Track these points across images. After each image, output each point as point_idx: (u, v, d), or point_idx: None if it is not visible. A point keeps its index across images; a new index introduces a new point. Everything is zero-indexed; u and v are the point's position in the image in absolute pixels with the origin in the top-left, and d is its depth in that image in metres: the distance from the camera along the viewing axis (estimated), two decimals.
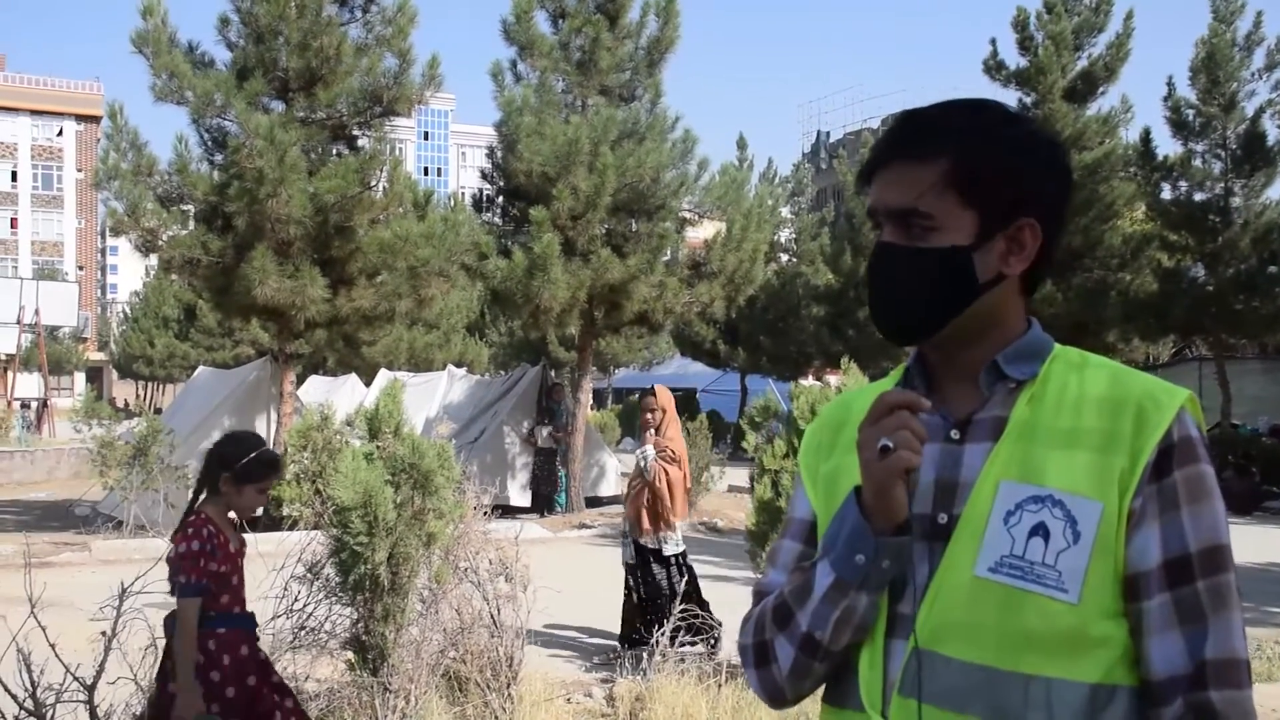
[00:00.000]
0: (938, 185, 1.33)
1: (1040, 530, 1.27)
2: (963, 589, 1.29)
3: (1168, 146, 20.81)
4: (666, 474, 7.08)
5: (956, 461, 1.35)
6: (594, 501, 15.92)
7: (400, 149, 15.71)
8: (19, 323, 31.70)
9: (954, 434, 1.36)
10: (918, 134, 1.37)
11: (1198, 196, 20.18)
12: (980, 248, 1.35)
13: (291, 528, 9.23)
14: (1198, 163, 20.18)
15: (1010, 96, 20.88)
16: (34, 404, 33.49)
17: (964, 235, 1.34)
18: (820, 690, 1.46)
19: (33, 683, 4.07)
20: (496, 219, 15.57)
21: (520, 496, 15.22)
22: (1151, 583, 1.26)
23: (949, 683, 1.27)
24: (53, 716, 4.11)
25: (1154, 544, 1.26)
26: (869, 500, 1.30)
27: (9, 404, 29.70)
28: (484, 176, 15.84)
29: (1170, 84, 20.18)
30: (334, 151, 13.02)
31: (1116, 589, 1.27)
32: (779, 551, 1.52)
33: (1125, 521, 1.27)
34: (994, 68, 20.74)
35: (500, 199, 15.60)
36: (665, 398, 7.51)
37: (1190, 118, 19.97)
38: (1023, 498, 1.29)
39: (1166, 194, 20.48)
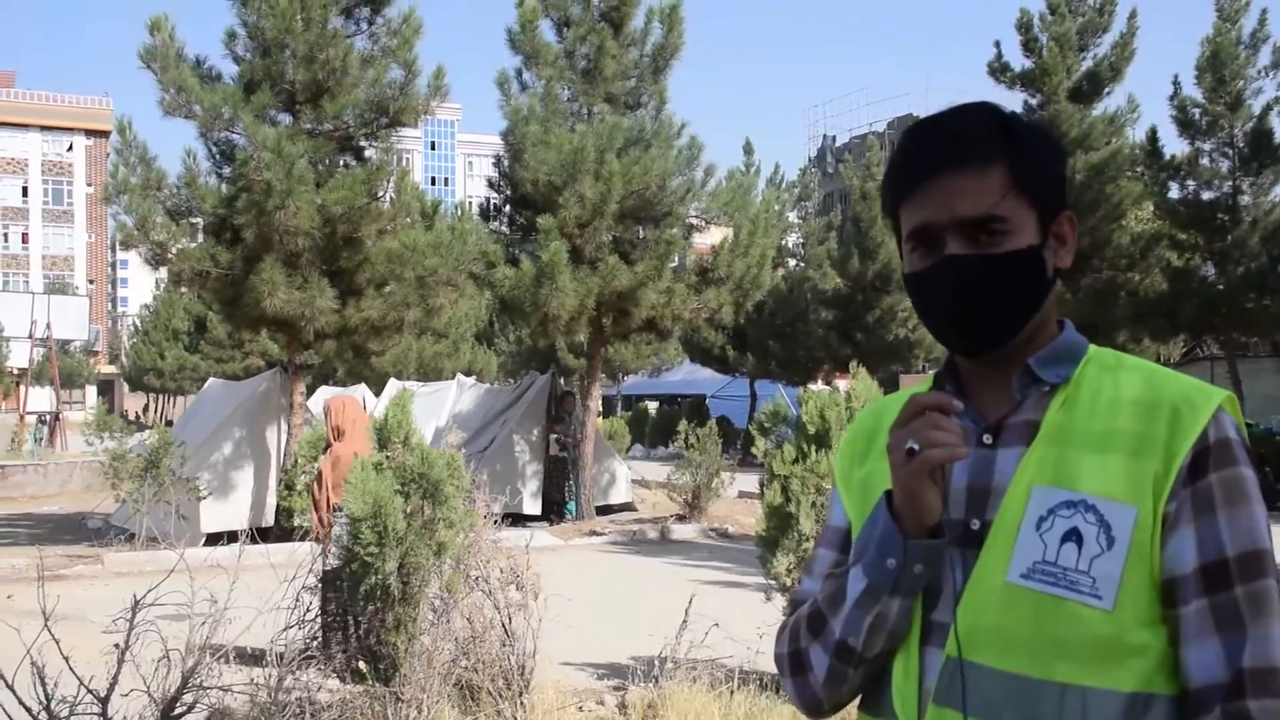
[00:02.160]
0: (1005, 188, 1.31)
1: (1073, 536, 1.25)
2: (995, 596, 1.27)
3: (1175, 146, 20.73)
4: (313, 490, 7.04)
5: (989, 466, 1.33)
6: (604, 509, 15.91)
7: (407, 159, 15.77)
8: (31, 337, 31.85)
9: (986, 439, 1.35)
10: (968, 141, 1.33)
11: (1206, 195, 20.11)
12: (1044, 245, 1.35)
13: (303, 539, 9.25)
14: (1205, 161, 20.12)
15: (1016, 98, 20.87)
16: (46, 417, 33.65)
17: (1032, 234, 1.33)
18: (858, 698, 1.44)
19: (47, 695, 4.08)
20: (504, 228, 15.61)
21: (531, 505, 15.23)
22: (1188, 588, 1.23)
23: (983, 692, 1.25)
24: None
25: (1189, 548, 1.23)
26: (899, 503, 1.29)
27: (22, 418, 29.82)
28: (491, 185, 15.89)
29: (1176, 83, 20.15)
30: (341, 163, 13.06)
31: (1153, 595, 1.24)
32: (815, 560, 1.51)
33: (1160, 526, 1.24)
34: (999, 70, 20.72)
35: (507, 208, 15.64)
36: (338, 408, 7.44)
37: (1197, 117, 19.91)
38: (1056, 503, 1.27)
39: (1174, 193, 20.42)
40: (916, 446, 1.25)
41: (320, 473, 7.08)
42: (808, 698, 1.43)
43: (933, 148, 1.35)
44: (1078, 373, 1.35)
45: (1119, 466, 1.26)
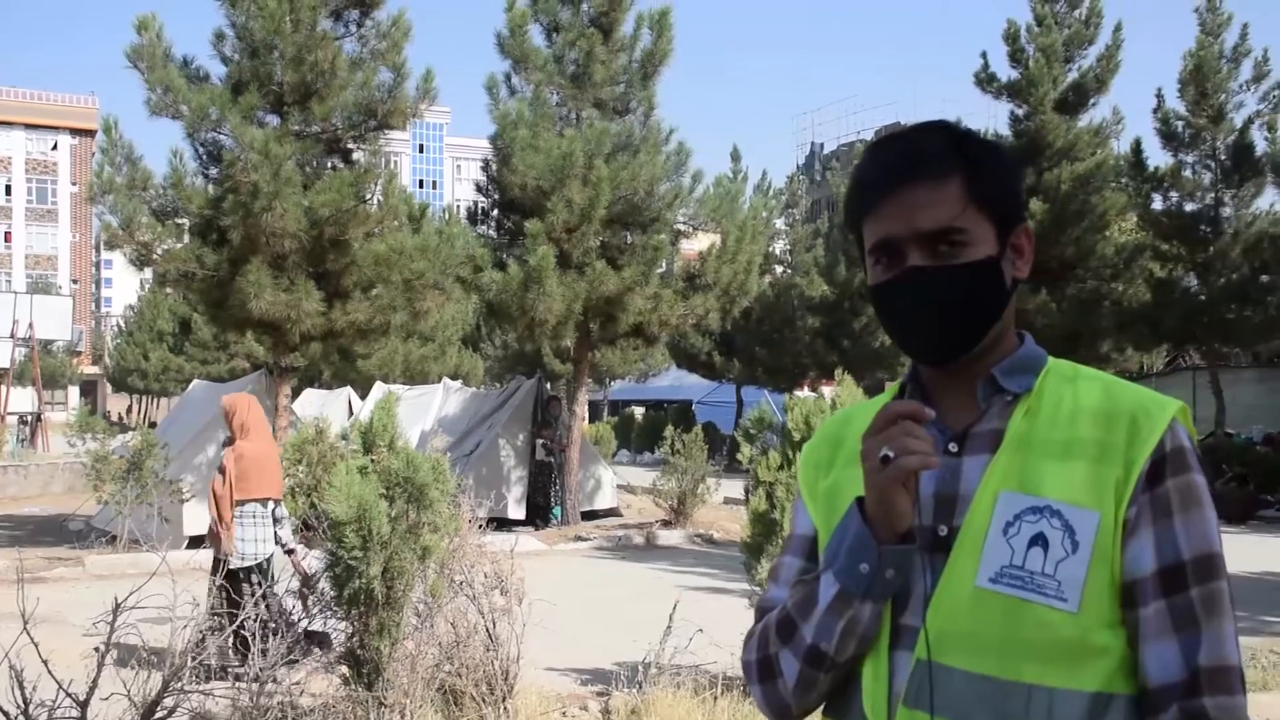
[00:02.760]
0: (963, 201, 1.35)
1: (1039, 540, 1.28)
2: (964, 600, 1.30)
3: (1158, 157, 20.91)
4: (214, 486, 7.05)
5: (955, 474, 1.37)
6: (590, 515, 15.90)
7: (395, 162, 15.73)
8: (13, 337, 31.62)
9: (952, 447, 1.38)
10: (926, 156, 1.38)
11: (1188, 207, 20.30)
12: (1002, 256, 1.38)
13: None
14: (1188, 173, 20.31)
15: (1002, 108, 21.05)
16: (28, 418, 33.41)
17: (991, 246, 1.37)
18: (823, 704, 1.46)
19: (25, 699, 4.05)
20: (492, 232, 15.60)
21: (516, 509, 15.21)
22: (1146, 590, 1.28)
23: (953, 694, 1.29)
24: None
25: (1148, 552, 1.28)
26: (872, 509, 1.31)
27: (2, 418, 29.61)
28: (479, 189, 15.87)
29: (1159, 96, 20.32)
30: (329, 165, 13.03)
31: (1114, 597, 1.29)
32: (780, 568, 1.53)
33: (1121, 530, 1.29)
34: (985, 80, 20.81)
35: (495, 212, 15.62)
36: (232, 404, 7.43)
37: (1180, 129, 20.10)
38: (1021, 508, 1.30)
39: (1158, 204, 20.59)
40: (892, 454, 1.28)
41: (223, 468, 7.06)
42: (776, 703, 1.44)
43: (892, 164, 1.39)
44: (1038, 383, 1.39)
45: (1081, 473, 1.31)
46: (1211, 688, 1.25)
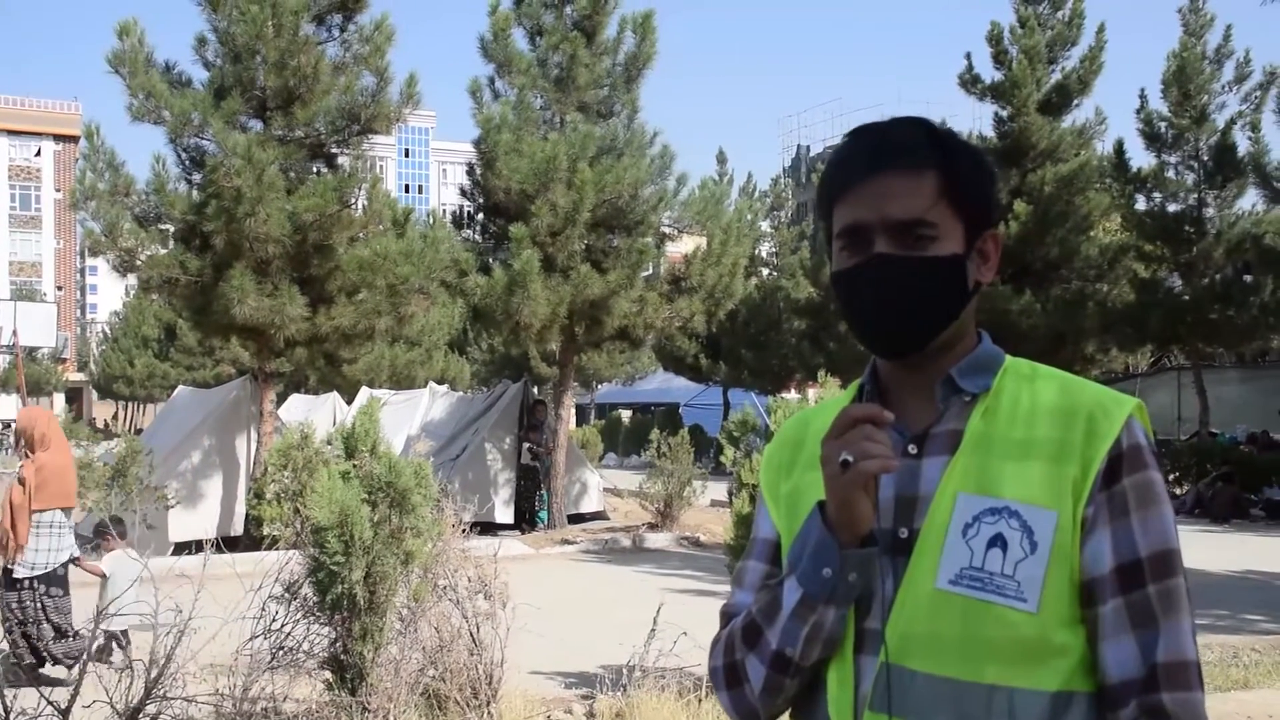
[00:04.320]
0: (936, 195, 1.35)
1: (998, 541, 1.29)
2: (925, 602, 1.30)
3: (1141, 158, 21.02)
4: (12, 496, 7.05)
5: (915, 476, 1.36)
6: (576, 518, 15.89)
7: (381, 166, 15.72)
8: None
9: (911, 448, 1.38)
10: (904, 146, 1.37)
11: (1172, 208, 20.42)
12: (968, 257, 1.38)
13: (271, 547, 9.19)
14: (1171, 174, 20.43)
15: (986, 110, 21.07)
16: (13, 425, 33.19)
17: (958, 244, 1.37)
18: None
19: (5, 708, 4.04)
20: (476, 236, 15.59)
21: (503, 513, 15.19)
22: (1105, 588, 1.28)
23: (916, 696, 1.29)
24: None
25: (1106, 550, 1.29)
26: (833, 513, 1.31)
27: None
28: (463, 194, 15.87)
29: (1143, 96, 20.44)
30: (313, 170, 13.00)
31: (1074, 597, 1.29)
32: (744, 572, 1.53)
33: (1079, 529, 1.29)
34: (969, 81, 20.89)
35: (480, 216, 15.62)
36: (30, 419, 7.44)
37: (1163, 130, 20.21)
38: (980, 509, 1.31)
39: (1141, 205, 20.70)
40: (851, 458, 1.28)
41: (23, 479, 7.05)
42: (743, 709, 1.44)
43: (869, 151, 1.39)
44: (996, 382, 1.39)
45: (1039, 472, 1.31)
46: (1170, 683, 1.26)
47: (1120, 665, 1.27)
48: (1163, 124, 20.14)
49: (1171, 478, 19.33)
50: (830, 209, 1.42)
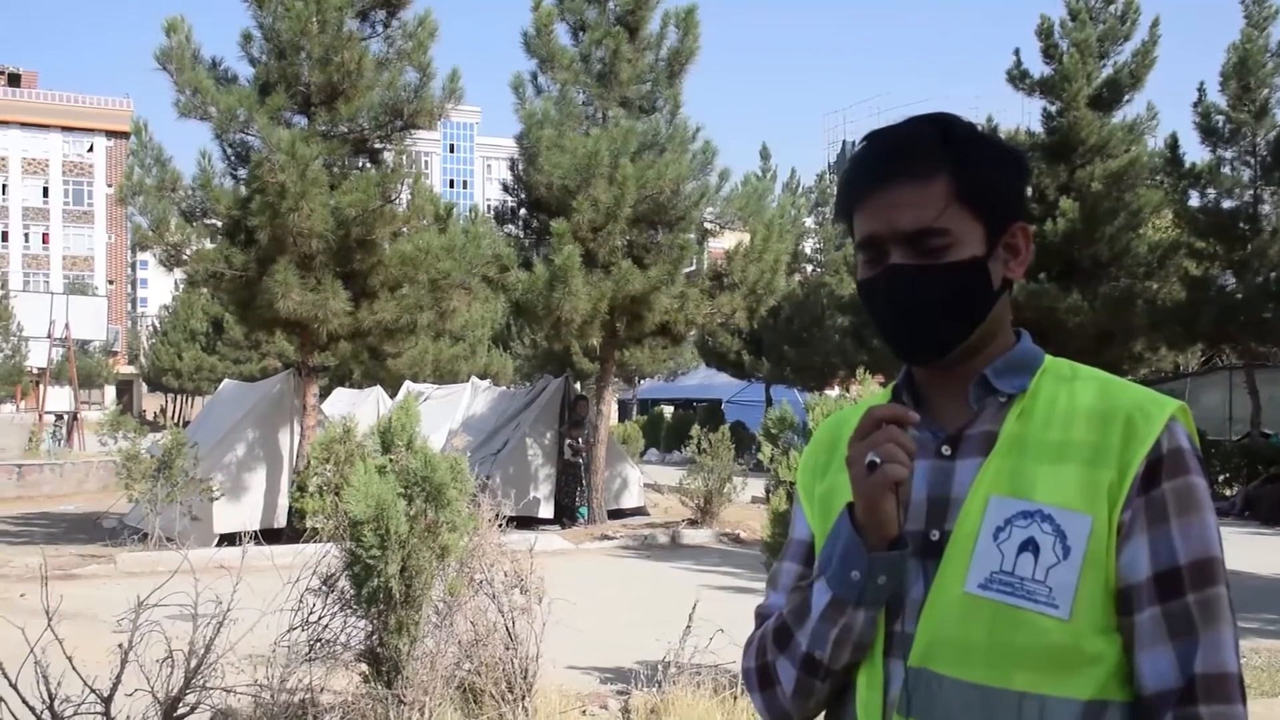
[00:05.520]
0: (949, 201, 1.33)
1: (1030, 545, 1.26)
2: (954, 606, 1.28)
3: (1196, 153, 20.67)
4: None
5: (948, 477, 1.34)
6: (616, 513, 15.91)
7: (426, 162, 15.84)
8: (50, 337, 32.07)
9: (945, 450, 1.36)
10: (910, 153, 1.35)
11: (1226, 204, 19.99)
12: (991, 256, 1.36)
13: (312, 540, 9.27)
14: (1227, 170, 20.00)
15: (1034, 105, 20.81)
16: (64, 417, 33.85)
17: (978, 245, 1.34)
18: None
19: (50, 694, 4.10)
20: (518, 231, 15.64)
21: (543, 508, 15.24)
22: (1141, 596, 1.25)
23: (945, 702, 1.27)
24: None
25: (1143, 557, 1.25)
26: (860, 516, 1.30)
27: (40, 417, 30.03)
28: (505, 189, 15.92)
29: (1201, 90, 20.01)
30: (356, 165, 13.11)
31: (1109, 604, 1.26)
32: (779, 574, 1.52)
33: (1115, 535, 1.26)
34: (1018, 76, 20.63)
35: (522, 211, 15.67)
36: None
37: (1220, 124, 19.78)
38: (1012, 513, 1.28)
39: (1194, 201, 20.30)
40: (878, 460, 1.26)
41: None
42: (776, 711, 1.43)
43: (878, 160, 1.38)
44: (1034, 383, 1.37)
45: (1074, 476, 1.28)
46: (1208, 696, 1.23)
47: (1157, 676, 1.24)
48: (1220, 118, 19.72)
49: (1221, 479, 18.98)
50: (850, 217, 1.41)
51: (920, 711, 1.28)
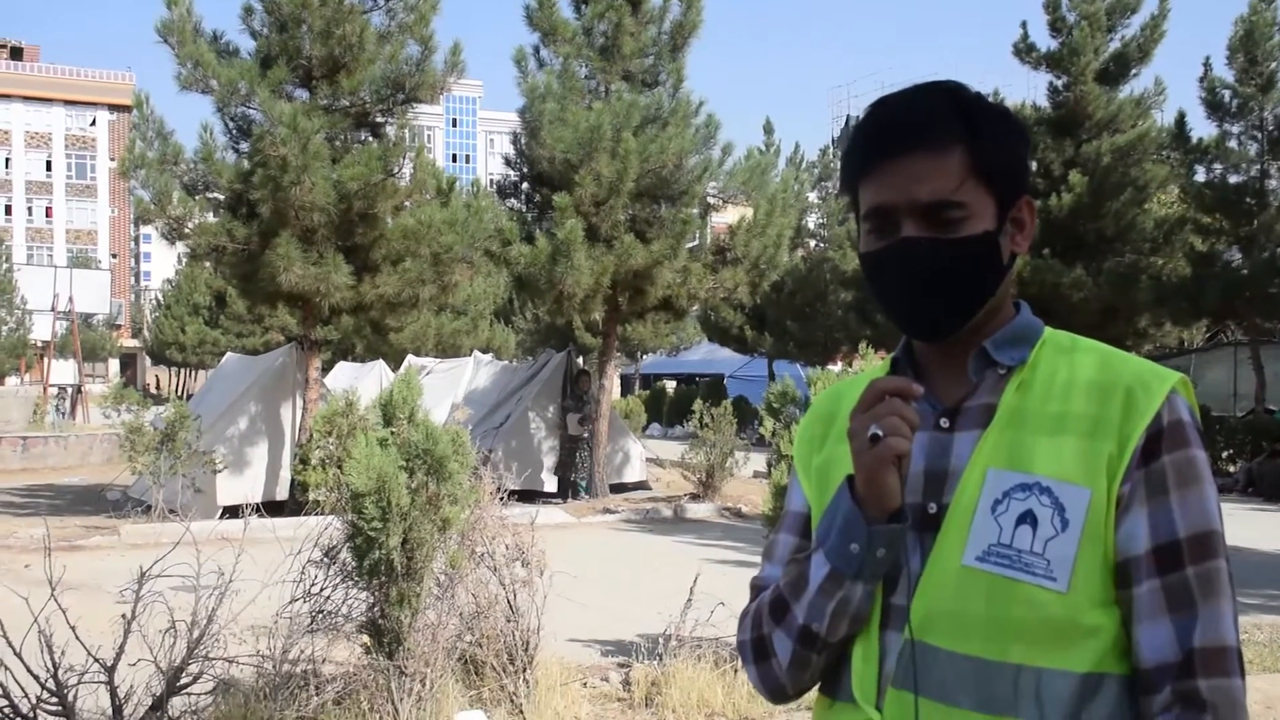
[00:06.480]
0: (963, 173, 1.30)
1: (1028, 518, 1.25)
2: (951, 579, 1.28)
3: (1202, 129, 20.52)
4: None
5: (945, 450, 1.33)
6: (618, 488, 15.94)
7: (429, 136, 15.79)
8: (53, 310, 32.11)
9: (943, 422, 1.35)
10: (928, 123, 1.32)
11: (1233, 179, 19.88)
12: (1000, 231, 1.34)
13: (313, 511, 9.31)
14: (1233, 144, 19.87)
15: (1041, 79, 20.67)
16: (68, 390, 33.93)
17: (989, 220, 1.32)
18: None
19: (54, 663, 4.13)
20: (521, 205, 15.60)
21: (547, 482, 15.28)
22: (1140, 569, 1.24)
23: (941, 674, 1.26)
24: (74, 697, 4.17)
25: (1142, 530, 1.25)
26: (861, 488, 1.29)
27: (44, 390, 30.10)
28: (508, 163, 15.87)
29: (1207, 64, 19.85)
30: (358, 139, 13.07)
31: (1107, 577, 1.26)
32: (775, 546, 1.51)
33: (1114, 508, 1.25)
34: (1024, 50, 20.48)
35: (524, 185, 15.62)
36: None
37: (1226, 98, 19.63)
38: (1010, 485, 1.27)
39: (1200, 176, 20.20)
40: (881, 432, 1.25)
41: None
42: (771, 683, 1.43)
43: (892, 128, 1.34)
44: (1033, 355, 1.35)
45: (1073, 449, 1.27)
46: (1207, 669, 1.22)
47: (1155, 649, 1.24)
48: (1226, 92, 19.57)
49: (1225, 455, 18.98)
50: (855, 186, 1.38)
51: (917, 684, 1.27)
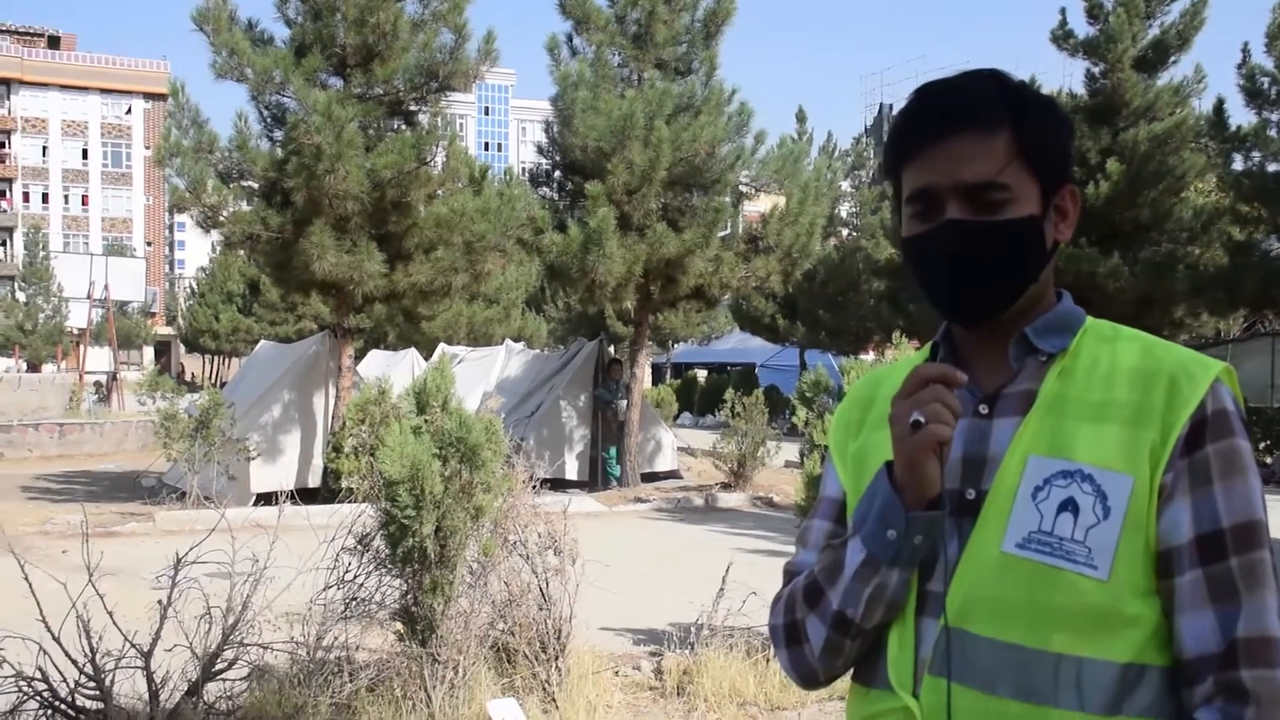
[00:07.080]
0: (1010, 156, 1.30)
1: (1069, 505, 1.25)
2: (990, 566, 1.27)
3: (1241, 116, 20.12)
4: None
5: (984, 436, 1.33)
6: (650, 477, 15.94)
7: (461, 124, 15.79)
8: (89, 298, 32.48)
9: (982, 408, 1.34)
10: (975, 105, 1.32)
11: (1271, 168, 19.54)
12: (1044, 216, 1.34)
13: (347, 499, 9.36)
14: (1273, 133, 19.53)
15: (1078, 66, 20.39)
16: (104, 377, 34.34)
17: (1034, 204, 1.32)
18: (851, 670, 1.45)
19: (92, 648, 4.17)
20: (553, 193, 15.59)
21: (578, 470, 15.30)
22: (1183, 559, 1.23)
23: (979, 662, 1.26)
24: (111, 681, 4.21)
25: (1185, 519, 1.23)
26: (901, 475, 1.29)
27: (80, 377, 30.48)
28: (540, 151, 15.86)
29: (1245, 50, 19.50)
30: (391, 127, 13.09)
31: (1149, 566, 1.24)
32: (809, 531, 1.51)
33: (1157, 496, 1.24)
34: (1061, 37, 20.20)
35: (556, 173, 15.61)
36: None
37: (1265, 86, 19.29)
38: (1051, 472, 1.26)
39: (1238, 165, 19.88)
40: (923, 419, 1.24)
41: None
42: (803, 669, 1.43)
43: (939, 110, 1.34)
44: (1075, 343, 1.35)
45: (1115, 437, 1.26)
46: (1250, 660, 1.20)
47: (1198, 640, 1.22)
48: (1265, 79, 19.23)
49: (1262, 445, 18.73)
50: (898, 170, 1.37)
51: (953, 671, 1.26)
